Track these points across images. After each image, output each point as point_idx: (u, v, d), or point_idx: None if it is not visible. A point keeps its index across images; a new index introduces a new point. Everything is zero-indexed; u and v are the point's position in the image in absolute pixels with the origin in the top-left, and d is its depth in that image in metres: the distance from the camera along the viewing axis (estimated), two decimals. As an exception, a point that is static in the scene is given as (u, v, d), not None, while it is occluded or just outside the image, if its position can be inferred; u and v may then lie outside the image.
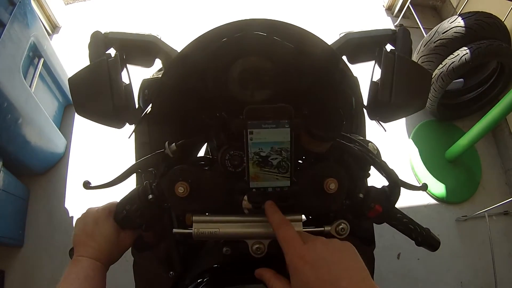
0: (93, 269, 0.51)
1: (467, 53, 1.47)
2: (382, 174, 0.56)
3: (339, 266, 0.37)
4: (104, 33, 0.56)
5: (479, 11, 1.56)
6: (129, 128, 0.59)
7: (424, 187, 0.57)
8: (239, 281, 0.54)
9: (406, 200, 1.65)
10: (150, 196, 0.51)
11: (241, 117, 0.43)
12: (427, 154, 1.77)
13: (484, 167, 1.78)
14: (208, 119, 0.57)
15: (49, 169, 1.71)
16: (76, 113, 0.52)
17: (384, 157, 0.58)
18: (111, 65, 0.51)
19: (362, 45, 0.59)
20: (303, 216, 0.50)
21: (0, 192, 1.36)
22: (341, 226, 0.51)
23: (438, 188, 1.69)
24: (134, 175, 0.63)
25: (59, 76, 1.73)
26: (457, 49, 1.52)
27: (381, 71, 0.52)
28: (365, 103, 0.56)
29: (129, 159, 0.64)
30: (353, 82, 0.60)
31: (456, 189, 1.70)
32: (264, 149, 0.44)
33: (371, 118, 0.58)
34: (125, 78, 0.54)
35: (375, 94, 0.53)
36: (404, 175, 1.55)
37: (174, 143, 0.53)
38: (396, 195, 0.54)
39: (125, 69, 0.56)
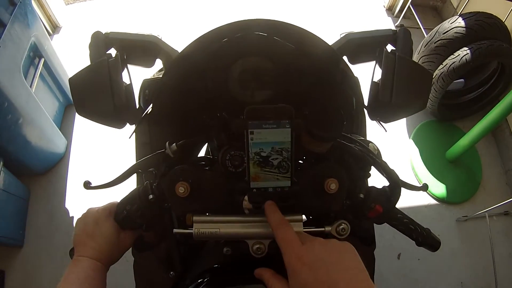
0: (93, 269, 0.51)
1: (468, 53, 1.47)
2: (383, 175, 0.56)
3: (337, 267, 0.37)
4: (105, 33, 0.56)
5: (479, 12, 1.56)
6: (129, 128, 0.59)
7: (424, 188, 0.57)
8: (239, 281, 0.54)
9: (406, 200, 1.65)
10: (151, 196, 0.51)
11: (241, 117, 0.43)
12: (427, 155, 1.77)
13: (485, 168, 1.78)
14: (209, 119, 0.57)
15: (49, 169, 1.72)
16: (76, 113, 0.52)
17: (384, 157, 0.58)
18: (112, 65, 0.51)
19: (362, 45, 0.59)
20: (304, 216, 0.50)
21: (1, 192, 1.36)
22: (341, 227, 0.51)
23: (439, 188, 1.69)
24: (135, 175, 0.63)
25: (59, 76, 1.73)
26: (458, 50, 1.52)
27: (382, 72, 0.52)
28: (366, 103, 0.56)
29: (130, 159, 0.64)
30: (354, 82, 0.60)
31: (457, 189, 1.70)
32: (265, 149, 0.44)
33: (372, 118, 0.58)
34: (125, 78, 0.54)
35: (375, 94, 0.53)
36: (404, 175, 1.55)
37: (174, 143, 0.53)
38: (397, 196, 0.54)
39: (125, 69, 0.56)
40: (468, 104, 1.84)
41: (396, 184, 0.54)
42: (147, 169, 0.57)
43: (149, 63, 0.61)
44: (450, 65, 1.51)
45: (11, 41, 1.29)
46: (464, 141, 1.60)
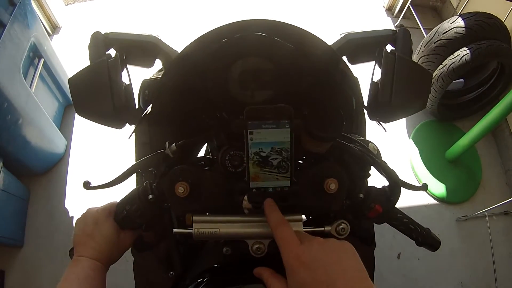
0: (93, 269, 0.51)
1: (467, 53, 1.47)
2: (383, 174, 0.56)
3: (335, 267, 0.37)
4: (104, 33, 0.56)
5: (479, 12, 1.56)
6: (129, 128, 0.59)
7: (424, 187, 0.57)
8: (239, 281, 0.54)
9: (406, 200, 1.65)
10: (150, 196, 0.51)
11: (241, 117, 0.43)
12: (427, 154, 1.77)
13: (484, 167, 1.78)
14: (208, 120, 0.57)
15: (49, 170, 1.72)
16: (76, 113, 0.52)
17: (384, 157, 0.58)
18: (111, 66, 0.51)
19: (362, 45, 0.59)
20: (303, 216, 0.50)
21: (1, 192, 1.36)
22: (341, 226, 0.51)
23: (439, 188, 1.69)
24: (134, 175, 0.63)
25: (59, 76, 1.73)
26: (457, 50, 1.52)
27: (381, 72, 0.52)
28: (366, 103, 0.56)
29: (129, 159, 0.64)
30: (354, 83, 0.60)
31: (457, 189, 1.70)
32: (264, 149, 0.44)
33: (371, 118, 0.58)
34: (125, 79, 0.54)
35: (375, 94, 0.53)
36: (404, 175, 1.55)
37: (174, 143, 0.53)
38: (397, 195, 0.54)
39: (125, 69, 0.56)
40: (468, 104, 1.85)
41: (396, 184, 0.54)
42: (147, 169, 0.57)
43: (149, 64, 0.61)
44: (450, 65, 1.51)
45: (10, 42, 1.29)
46: (464, 141, 1.60)
